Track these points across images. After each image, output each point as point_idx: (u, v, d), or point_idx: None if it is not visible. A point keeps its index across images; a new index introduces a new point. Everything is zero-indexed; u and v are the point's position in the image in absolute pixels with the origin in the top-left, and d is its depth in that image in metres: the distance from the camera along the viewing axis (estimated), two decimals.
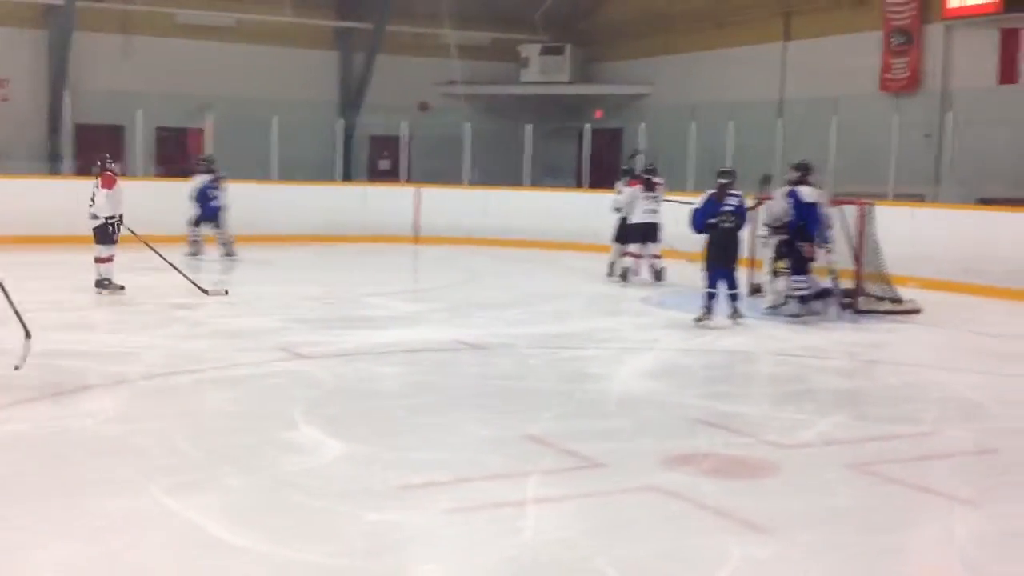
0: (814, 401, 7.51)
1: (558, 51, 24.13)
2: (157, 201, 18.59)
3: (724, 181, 10.65)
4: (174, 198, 16.46)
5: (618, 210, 14.32)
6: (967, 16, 17.16)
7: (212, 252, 15.74)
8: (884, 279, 11.94)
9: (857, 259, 11.83)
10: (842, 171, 16.61)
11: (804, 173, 11.32)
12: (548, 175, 22.54)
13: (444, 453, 5.83)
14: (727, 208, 10.49)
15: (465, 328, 10.23)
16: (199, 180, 16.17)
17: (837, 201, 12.45)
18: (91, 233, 11.58)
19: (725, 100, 19.49)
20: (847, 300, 11.56)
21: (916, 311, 11.67)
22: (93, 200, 11.60)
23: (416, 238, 20.01)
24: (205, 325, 10.01)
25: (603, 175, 20.51)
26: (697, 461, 5.76)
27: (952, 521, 4.92)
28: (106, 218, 11.49)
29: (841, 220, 11.76)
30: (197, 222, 16.04)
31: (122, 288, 11.54)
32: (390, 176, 22.50)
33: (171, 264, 12.07)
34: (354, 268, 15.84)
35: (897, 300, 11.80)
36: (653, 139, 19.60)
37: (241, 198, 16.80)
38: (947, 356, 9.49)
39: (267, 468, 5.48)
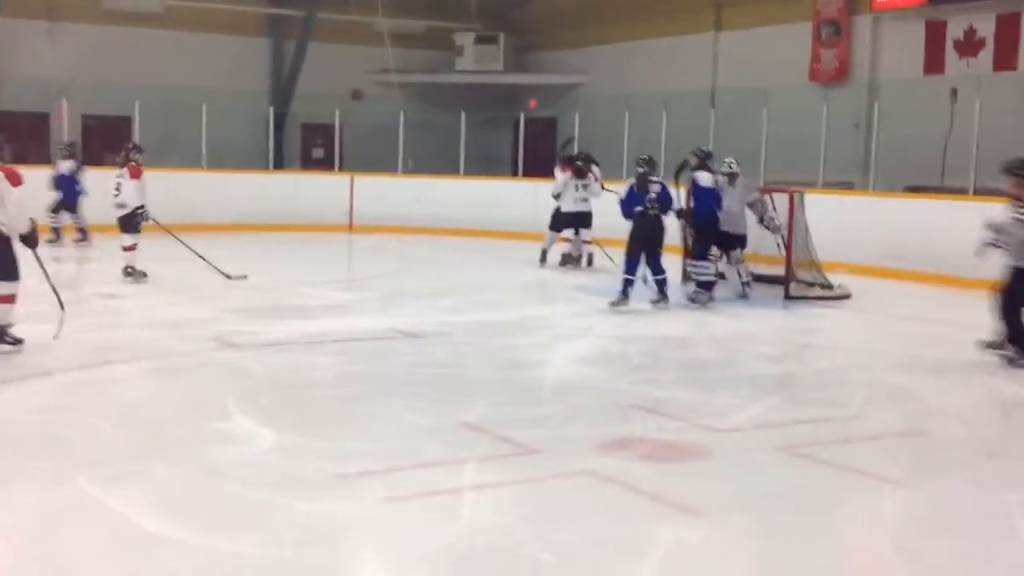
0: (746, 385, 7.58)
1: (492, 40, 24.08)
2: (92, 190, 18.22)
3: (643, 170, 10.90)
4: (101, 186, 16.11)
5: (556, 196, 14.48)
6: (894, 8, 17.46)
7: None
8: (814, 265, 12.13)
9: (788, 246, 12.00)
10: (773, 160, 16.82)
11: (703, 159, 11.53)
12: (483, 164, 22.52)
13: (378, 442, 5.80)
14: (650, 196, 10.71)
15: (400, 317, 10.18)
16: (63, 167, 15.96)
17: (768, 189, 12.64)
18: (116, 222, 12.09)
19: (658, 90, 19.59)
20: (748, 288, 11.79)
21: (846, 296, 11.87)
22: (118, 190, 12.03)
23: (350, 227, 19.86)
24: (134, 315, 9.85)
25: (538, 164, 20.55)
26: (631, 446, 5.78)
27: (881, 501, 5.01)
28: (135, 208, 11.96)
29: (769, 208, 11.96)
30: (57, 209, 15.77)
31: (145, 275, 11.98)
32: (324, 165, 22.32)
33: (195, 252, 12.51)
34: (287, 257, 15.68)
35: (827, 286, 11.99)
36: (587, 128, 19.64)
37: (171, 187, 16.52)
38: (875, 340, 9.66)
39: (198, 459, 5.39)
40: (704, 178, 11.37)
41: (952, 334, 10.08)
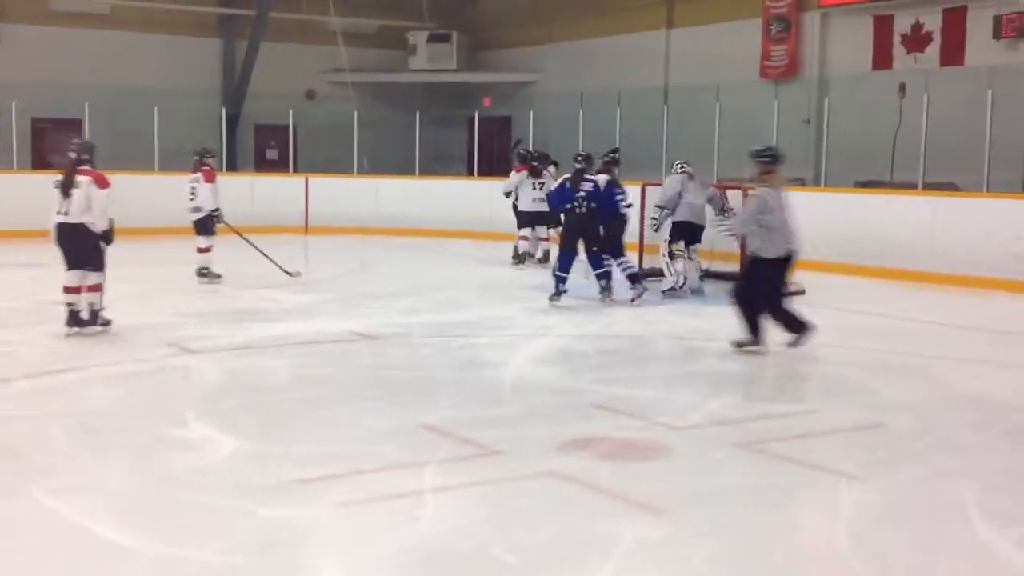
0: (704, 383, 7.64)
1: (445, 39, 24.04)
2: (36, 195, 17.98)
3: (580, 166, 11.12)
4: (52, 190, 15.88)
5: (507, 194, 14.68)
6: (842, 4, 17.66)
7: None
8: None
9: (741, 243, 12.09)
10: (726, 156, 16.95)
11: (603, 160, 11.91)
12: (438, 163, 22.49)
13: (338, 446, 5.78)
14: (580, 193, 10.93)
15: (358, 319, 10.15)
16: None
17: (722, 186, 12.77)
18: (191, 225, 12.59)
19: (612, 87, 19.68)
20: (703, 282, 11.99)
21: (800, 292, 11.96)
22: (194, 194, 12.50)
23: (306, 229, 19.76)
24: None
25: (493, 163, 20.57)
26: (592, 445, 5.81)
27: (838, 495, 5.07)
28: (210, 211, 12.45)
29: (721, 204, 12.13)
30: None
31: (219, 276, 12.47)
32: (278, 166, 22.17)
33: (261, 252, 12.93)
34: (243, 260, 15.52)
35: None
36: (542, 126, 19.70)
37: (123, 189, 16.27)
38: (829, 335, 9.73)
39: (156, 466, 5.35)
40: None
41: (904, 327, 10.23)
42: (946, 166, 14.76)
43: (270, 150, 23.31)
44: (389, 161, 21.03)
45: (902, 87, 16.13)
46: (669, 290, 11.69)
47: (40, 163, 20.30)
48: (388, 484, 5.10)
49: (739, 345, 8.40)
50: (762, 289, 8.27)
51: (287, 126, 20.74)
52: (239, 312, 10.44)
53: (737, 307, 8.40)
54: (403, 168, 20.63)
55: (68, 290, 8.85)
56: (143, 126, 19.07)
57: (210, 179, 12.56)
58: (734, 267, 12.18)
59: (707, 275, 12.36)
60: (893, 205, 14.17)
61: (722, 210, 11.94)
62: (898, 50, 16.88)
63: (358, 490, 5.02)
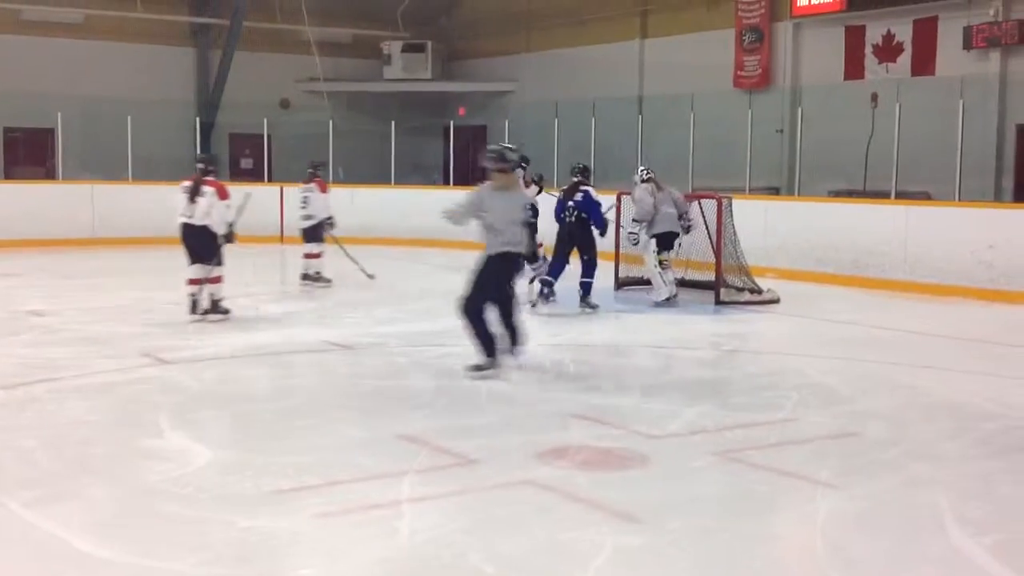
0: (680, 391, 7.66)
1: (420, 48, 24.07)
2: (8, 205, 17.93)
3: (576, 179, 11.54)
4: (27, 201, 15.83)
5: None
6: (814, 14, 17.81)
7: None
8: (743, 271, 12.33)
9: (716, 252, 12.17)
10: (700, 166, 17.04)
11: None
12: (414, 172, 22.48)
13: (315, 456, 5.76)
14: (570, 203, 11.34)
15: (334, 328, 10.13)
16: None
17: (696, 196, 12.83)
18: (300, 232, 13.40)
19: (587, 96, 19.74)
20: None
21: (775, 301, 12.07)
22: (306, 203, 13.38)
23: (282, 238, 19.67)
24: (60, 332, 9.66)
25: (469, 172, 20.57)
26: (570, 454, 5.82)
27: (814, 503, 5.10)
28: (323, 218, 13.30)
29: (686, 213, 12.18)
30: None
31: (329, 281, 13.25)
32: (253, 175, 22.08)
33: (350, 256, 13.57)
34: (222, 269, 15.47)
35: (757, 291, 12.19)
36: (517, 136, 19.70)
37: (96, 199, 16.25)
38: (805, 344, 9.83)
39: (131, 477, 5.32)
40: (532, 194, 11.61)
41: (878, 336, 10.30)
42: (918, 175, 14.91)
43: (245, 159, 23.23)
44: (364, 170, 21.00)
45: (874, 97, 16.29)
46: (665, 300, 11.73)
47: (11, 173, 20.18)
48: (366, 494, 5.09)
49: (477, 368, 7.78)
50: (487, 290, 7.89)
51: (262, 135, 20.68)
52: (214, 322, 10.37)
53: (469, 323, 7.87)
54: (379, 177, 20.60)
55: (191, 282, 10.29)
56: (117, 136, 18.97)
57: (323, 189, 13.51)
58: (709, 276, 12.28)
59: (682, 283, 12.41)
60: (866, 214, 14.28)
61: (681, 216, 11.96)
62: (870, 60, 17.05)
63: (336, 500, 5.00)
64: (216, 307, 10.33)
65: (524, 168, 15.01)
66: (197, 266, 10.25)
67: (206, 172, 10.28)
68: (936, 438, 6.45)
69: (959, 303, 12.38)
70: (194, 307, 10.22)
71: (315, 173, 13.57)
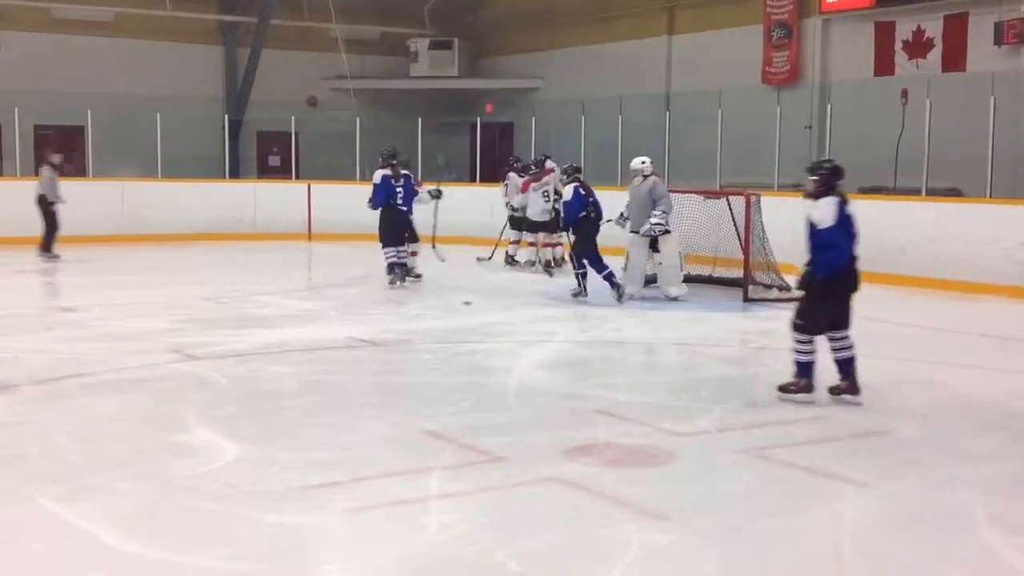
0: (708, 388, 7.62)
1: (446, 45, 24.08)
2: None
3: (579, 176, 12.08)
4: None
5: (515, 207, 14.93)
6: (843, 10, 17.66)
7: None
8: (771, 267, 12.24)
9: (744, 249, 12.10)
10: (728, 163, 16.95)
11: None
12: (441, 169, 22.49)
13: (342, 452, 5.77)
14: (592, 199, 11.76)
15: (360, 325, 10.14)
16: None
17: (724, 192, 12.76)
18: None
19: (614, 94, 19.67)
20: None
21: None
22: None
23: (309, 235, 19.76)
24: (90, 328, 9.73)
25: (495, 169, 20.56)
26: (596, 452, 5.80)
27: (843, 502, 5.06)
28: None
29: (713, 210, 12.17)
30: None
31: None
32: (281, 172, 22.18)
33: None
34: (246, 267, 15.57)
35: (785, 288, 12.08)
36: (544, 133, 19.71)
37: (125, 196, 16.36)
38: None
39: (159, 473, 5.34)
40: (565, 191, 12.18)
41: (908, 334, 10.22)
42: (949, 172, 14.75)
43: (272, 157, 23.34)
44: None
45: (904, 93, 16.13)
46: (680, 296, 11.70)
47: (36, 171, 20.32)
48: (392, 491, 5.09)
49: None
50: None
51: (289, 133, 20.76)
52: (241, 319, 10.43)
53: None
54: None
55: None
56: (146, 133, 19.08)
57: (525, 188, 14.61)
58: (737, 273, 12.21)
59: (710, 280, 12.35)
60: (896, 211, 14.15)
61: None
62: (900, 56, 16.88)
63: (362, 497, 5.01)
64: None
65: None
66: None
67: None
68: (967, 436, 6.38)
69: (989, 300, 12.25)
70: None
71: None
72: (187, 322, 10.00)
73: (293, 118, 20.62)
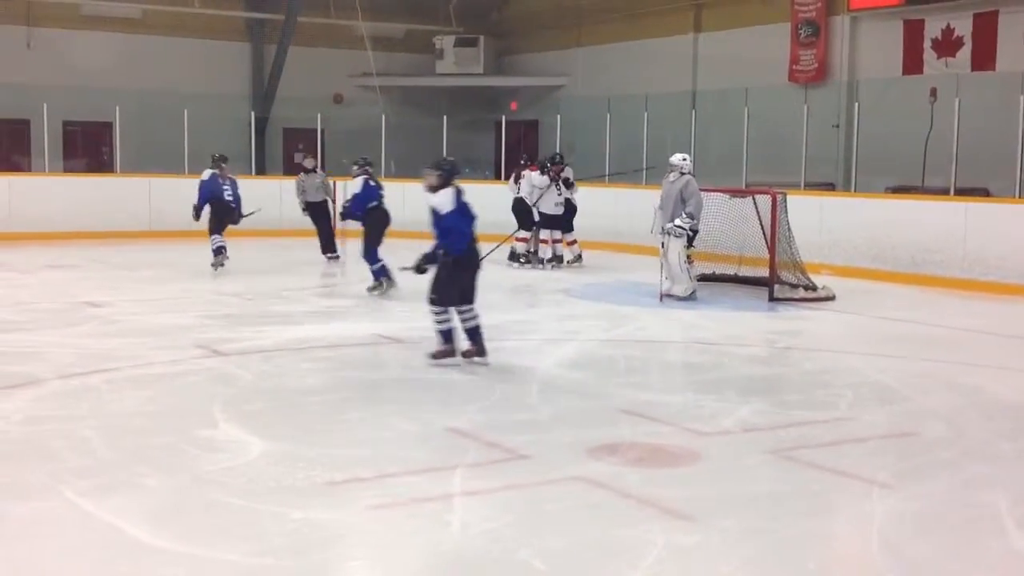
0: (733, 388, 7.59)
1: (472, 43, 24.08)
2: (67, 197, 18.21)
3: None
4: (83, 193, 16.06)
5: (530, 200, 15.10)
6: (871, 8, 17.54)
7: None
8: (798, 267, 12.18)
9: (771, 248, 12.04)
10: (755, 161, 16.86)
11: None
12: (466, 167, 22.50)
13: (367, 449, 5.78)
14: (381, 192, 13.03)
15: (385, 322, 10.17)
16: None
17: (751, 191, 12.70)
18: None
19: (639, 92, 19.61)
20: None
21: (830, 298, 11.91)
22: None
23: (335, 231, 19.77)
24: (117, 323, 9.79)
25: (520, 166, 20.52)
26: (621, 451, 5.79)
27: (870, 504, 5.02)
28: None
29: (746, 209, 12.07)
30: None
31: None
32: (306, 169, 22.21)
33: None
34: (272, 263, 15.63)
35: (811, 288, 12.03)
36: (569, 131, 19.68)
37: (152, 193, 16.43)
38: (860, 341, 9.69)
39: (186, 468, 5.37)
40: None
41: (936, 334, 10.14)
42: (978, 171, 14.63)
43: (298, 153, 23.39)
44: (416, 164, 21.00)
45: (933, 92, 16.00)
46: (687, 296, 11.60)
47: (69, 166, 20.50)
48: (416, 488, 5.10)
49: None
50: None
51: (315, 130, 20.82)
52: (267, 315, 10.47)
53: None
54: None
55: (518, 240, 14.86)
56: (173, 129, 19.18)
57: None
58: (763, 272, 12.15)
59: (736, 279, 12.30)
60: (924, 211, 14.05)
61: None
62: (929, 55, 16.75)
63: (387, 493, 5.02)
64: (530, 259, 14.71)
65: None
66: (523, 233, 14.67)
67: (528, 160, 14.59)
68: (995, 438, 6.32)
69: (1019, 301, 12.14)
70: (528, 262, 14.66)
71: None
72: (213, 318, 10.05)
73: (319, 115, 20.68)
